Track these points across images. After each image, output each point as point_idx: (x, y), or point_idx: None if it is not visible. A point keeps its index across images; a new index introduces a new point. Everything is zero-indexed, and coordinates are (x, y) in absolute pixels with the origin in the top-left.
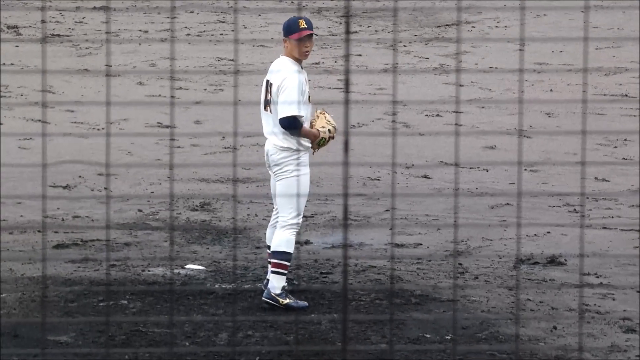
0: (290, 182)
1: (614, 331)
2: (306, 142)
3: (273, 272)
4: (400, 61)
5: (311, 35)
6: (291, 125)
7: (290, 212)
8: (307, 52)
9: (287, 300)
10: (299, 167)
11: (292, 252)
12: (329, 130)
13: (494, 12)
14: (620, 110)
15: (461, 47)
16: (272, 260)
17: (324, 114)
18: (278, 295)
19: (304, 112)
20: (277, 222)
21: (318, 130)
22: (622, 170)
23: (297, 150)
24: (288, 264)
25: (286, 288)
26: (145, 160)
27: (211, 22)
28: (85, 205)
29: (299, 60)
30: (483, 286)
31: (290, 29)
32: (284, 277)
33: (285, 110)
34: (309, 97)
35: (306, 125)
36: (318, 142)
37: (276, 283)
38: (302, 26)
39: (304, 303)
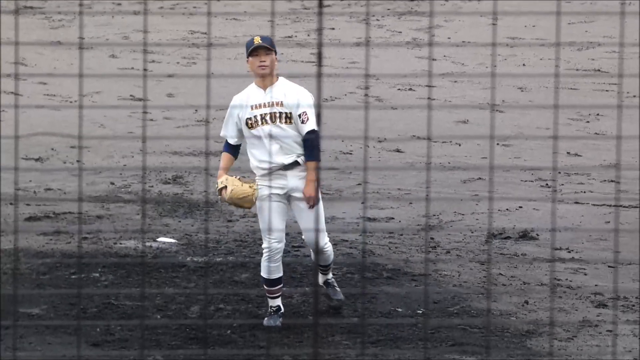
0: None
1: (586, 306)
2: (257, 170)
3: None
4: (373, 35)
5: (264, 47)
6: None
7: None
8: (261, 66)
9: (265, 319)
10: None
11: (265, 276)
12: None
13: None
14: (593, 85)
15: (434, 21)
16: None
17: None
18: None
19: (225, 134)
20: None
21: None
22: (594, 145)
23: (255, 171)
24: (268, 288)
25: (273, 308)
26: (117, 133)
27: None
28: (58, 178)
29: (262, 78)
30: (455, 260)
31: (247, 47)
32: (270, 299)
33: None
34: (263, 120)
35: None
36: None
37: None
38: (256, 42)
39: (272, 322)
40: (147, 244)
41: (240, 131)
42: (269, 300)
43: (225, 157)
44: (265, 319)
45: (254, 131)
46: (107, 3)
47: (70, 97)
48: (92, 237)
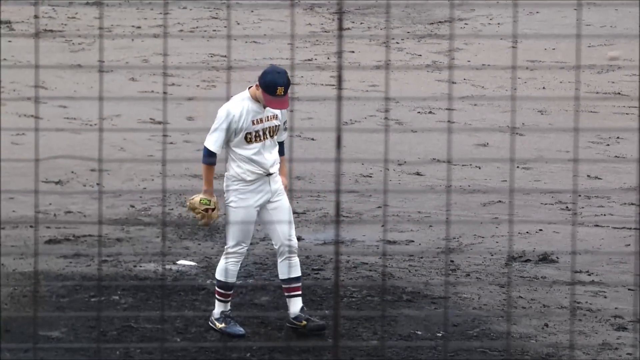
0: (228, 211)
1: (605, 329)
2: (248, 176)
3: (216, 297)
4: (392, 58)
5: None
6: (203, 154)
7: (229, 241)
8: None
9: (222, 325)
10: (236, 197)
11: (229, 281)
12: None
13: (486, 9)
14: (613, 108)
15: (454, 44)
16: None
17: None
18: (216, 319)
19: (216, 148)
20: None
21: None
22: (614, 168)
23: (240, 180)
24: (225, 292)
25: (225, 314)
26: (137, 156)
27: (204, 18)
28: (78, 201)
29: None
30: (475, 283)
31: (267, 87)
32: (222, 304)
33: (206, 139)
34: (264, 134)
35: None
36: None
37: (215, 307)
38: (278, 93)
39: (241, 330)
40: (167, 266)
41: (227, 141)
42: (222, 304)
43: (212, 170)
44: (223, 325)
45: (250, 145)
46: (126, 26)
47: (90, 120)
48: (112, 260)
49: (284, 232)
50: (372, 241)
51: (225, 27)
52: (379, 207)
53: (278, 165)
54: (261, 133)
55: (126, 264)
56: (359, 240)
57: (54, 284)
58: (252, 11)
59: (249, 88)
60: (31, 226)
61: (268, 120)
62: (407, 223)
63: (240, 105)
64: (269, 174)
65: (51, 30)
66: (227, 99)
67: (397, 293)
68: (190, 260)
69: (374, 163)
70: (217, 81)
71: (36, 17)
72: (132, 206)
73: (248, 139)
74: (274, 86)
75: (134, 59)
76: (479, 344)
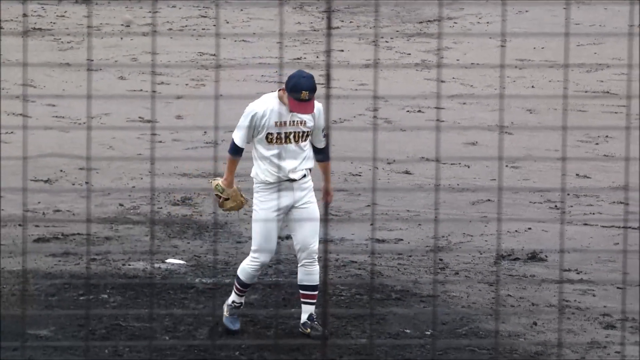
0: (253, 213)
1: (594, 327)
2: (267, 176)
3: (234, 286)
4: (382, 57)
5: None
6: (230, 145)
7: (252, 243)
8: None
9: (226, 313)
10: (257, 200)
11: (245, 280)
12: (221, 191)
13: (475, 7)
14: (602, 106)
15: (443, 43)
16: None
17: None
18: (228, 304)
19: (240, 142)
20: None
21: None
22: (603, 167)
23: (261, 182)
24: (240, 287)
25: (235, 305)
26: (126, 155)
27: (193, 17)
28: (66, 199)
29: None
30: (463, 282)
31: (292, 91)
32: (236, 295)
33: (234, 132)
34: (286, 137)
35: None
36: (219, 189)
37: (231, 295)
38: (302, 97)
39: (236, 327)
40: (156, 265)
41: (251, 137)
42: (236, 296)
43: (235, 162)
44: (227, 314)
45: (271, 146)
46: (115, 25)
47: (79, 118)
48: (101, 259)
49: (304, 238)
50: (361, 240)
51: (214, 25)
52: (368, 205)
53: (303, 172)
54: (283, 136)
55: (115, 262)
56: (348, 239)
57: (43, 283)
58: (242, 10)
59: (279, 90)
60: (20, 225)
61: (293, 124)
62: (396, 222)
63: (266, 105)
64: (291, 180)
65: (40, 29)
66: (216, 97)
67: (386, 291)
68: (179, 259)
69: (363, 162)
70: (206, 80)
71: (25, 15)
72: (121, 205)
73: (269, 139)
74: (298, 90)
75: (122, 58)
76: (468, 342)
